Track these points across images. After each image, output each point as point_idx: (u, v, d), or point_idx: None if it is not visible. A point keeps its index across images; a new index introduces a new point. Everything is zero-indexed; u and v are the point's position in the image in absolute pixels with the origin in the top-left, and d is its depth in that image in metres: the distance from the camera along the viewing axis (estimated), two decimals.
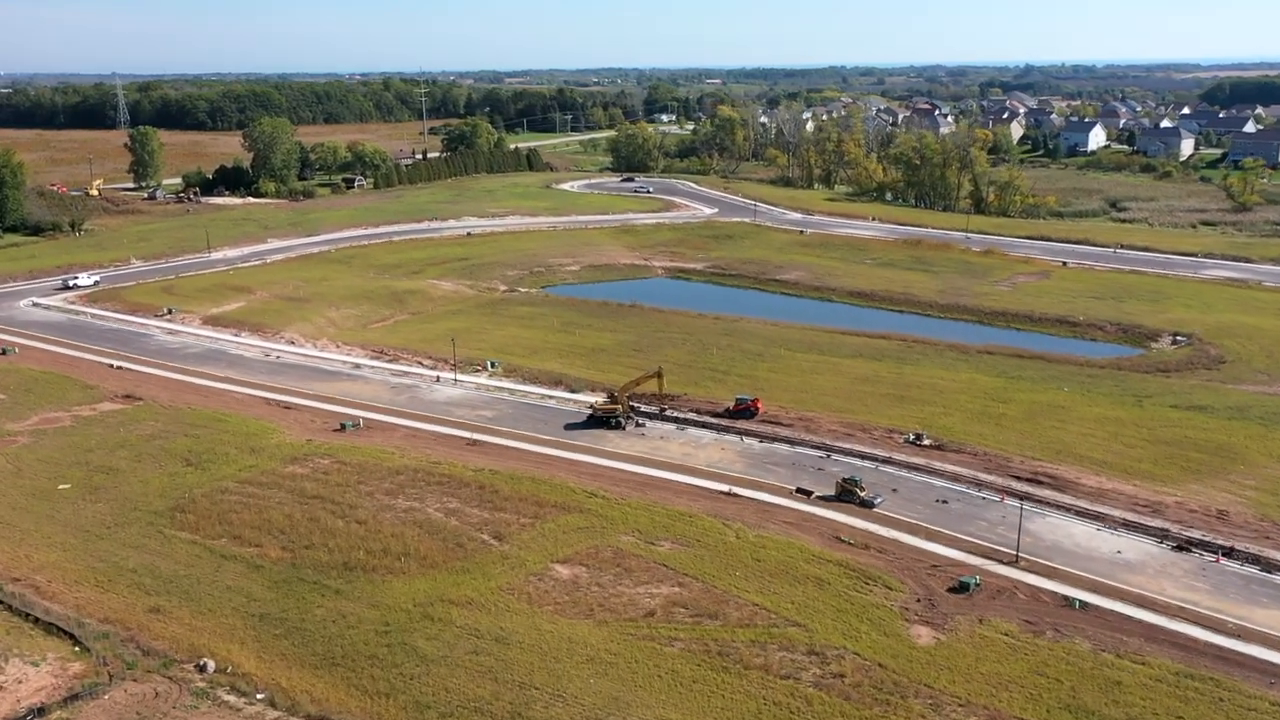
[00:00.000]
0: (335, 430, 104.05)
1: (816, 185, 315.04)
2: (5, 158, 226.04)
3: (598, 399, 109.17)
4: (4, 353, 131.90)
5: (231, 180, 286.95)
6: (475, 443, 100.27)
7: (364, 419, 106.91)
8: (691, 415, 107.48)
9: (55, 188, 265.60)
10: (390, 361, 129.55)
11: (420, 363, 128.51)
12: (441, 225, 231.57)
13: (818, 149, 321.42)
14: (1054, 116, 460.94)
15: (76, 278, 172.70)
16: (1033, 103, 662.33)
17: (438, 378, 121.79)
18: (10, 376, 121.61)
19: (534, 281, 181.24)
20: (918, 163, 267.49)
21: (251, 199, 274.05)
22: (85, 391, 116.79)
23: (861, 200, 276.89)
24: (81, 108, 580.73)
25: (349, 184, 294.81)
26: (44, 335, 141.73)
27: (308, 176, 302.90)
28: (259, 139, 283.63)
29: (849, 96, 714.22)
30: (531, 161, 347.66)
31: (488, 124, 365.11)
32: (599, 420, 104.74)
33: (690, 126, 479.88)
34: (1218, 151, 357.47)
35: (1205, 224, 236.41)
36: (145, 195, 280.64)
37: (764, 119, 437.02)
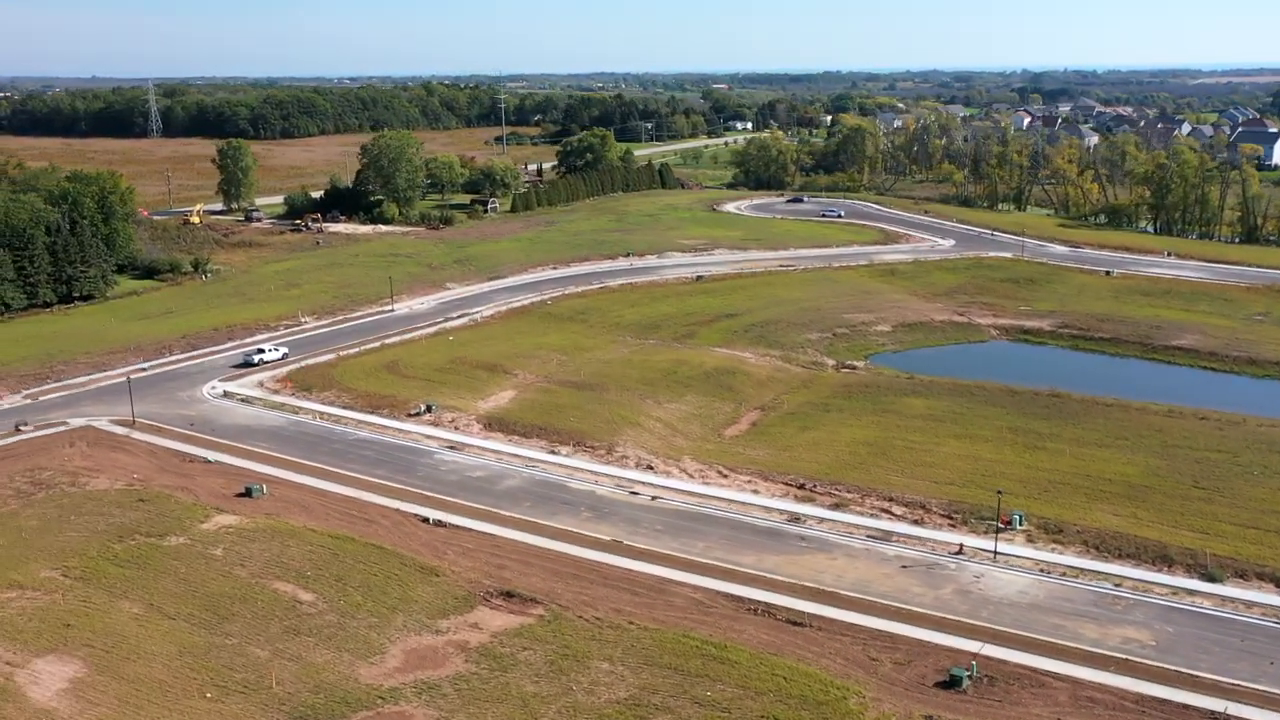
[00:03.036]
0: (941, 686, 61.12)
1: (1003, 206, 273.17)
2: (112, 182, 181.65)
3: None
4: (249, 493, 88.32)
5: (346, 203, 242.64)
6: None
7: (971, 652, 64.02)
8: None
9: (141, 213, 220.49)
10: (835, 508, 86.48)
11: (887, 511, 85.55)
12: (644, 264, 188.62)
13: (1003, 164, 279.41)
14: (1200, 126, 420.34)
15: (261, 350, 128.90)
16: (1099, 108, 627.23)
17: (960, 547, 78.84)
18: (292, 548, 78.11)
19: (848, 349, 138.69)
20: (1174, 183, 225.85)
21: (383, 226, 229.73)
22: (430, 582, 73.45)
23: (1085, 225, 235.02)
24: (105, 114, 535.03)
25: (483, 206, 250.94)
26: (278, 454, 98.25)
27: (421, 198, 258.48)
28: (381, 154, 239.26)
29: (904, 104, 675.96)
30: (664, 178, 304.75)
31: (613, 136, 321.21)
32: None
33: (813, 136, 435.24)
34: None
35: None
36: (241, 219, 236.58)
37: (887, 127, 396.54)
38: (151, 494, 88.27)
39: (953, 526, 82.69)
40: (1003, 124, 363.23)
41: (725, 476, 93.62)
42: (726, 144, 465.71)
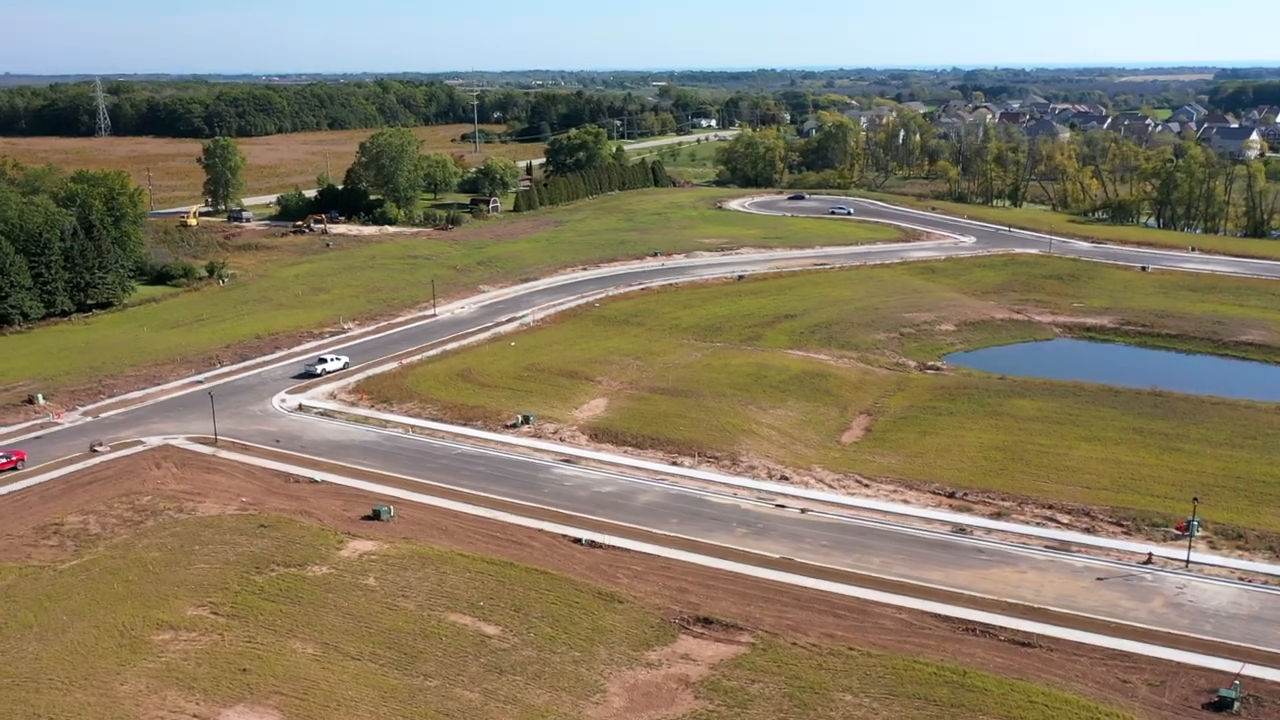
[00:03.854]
0: (1211, 709, 58.09)
1: (998, 202, 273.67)
2: (120, 182, 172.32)
3: None
4: (377, 516, 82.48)
5: (344, 203, 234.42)
6: None
7: (1232, 673, 61.14)
8: None
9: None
10: (996, 517, 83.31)
11: (1052, 520, 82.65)
12: (675, 264, 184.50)
13: (1000, 162, 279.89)
14: (1169, 123, 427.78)
15: (323, 360, 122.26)
16: (1039, 103, 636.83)
17: (1149, 557, 76.14)
18: (451, 577, 72.68)
19: (919, 349, 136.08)
20: (1181, 178, 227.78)
21: (389, 227, 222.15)
22: (615, 610, 68.71)
23: (1091, 221, 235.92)
24: (47, 112, 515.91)
25: (485, 205, 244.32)
26: (385, 471, 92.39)
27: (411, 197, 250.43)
28: (381, 152, 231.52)
29: (855, 101, 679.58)
30: (657, 176, 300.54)
31: (605, 134, 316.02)
32: None
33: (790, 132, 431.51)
34: None
35: None
36: (227, 221, 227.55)
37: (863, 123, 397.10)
38: (271, 519, 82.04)
39: (1126, 534, 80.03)
40: (987, 120, 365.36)
41: (866, 486, 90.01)
42: (700, 141, 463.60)
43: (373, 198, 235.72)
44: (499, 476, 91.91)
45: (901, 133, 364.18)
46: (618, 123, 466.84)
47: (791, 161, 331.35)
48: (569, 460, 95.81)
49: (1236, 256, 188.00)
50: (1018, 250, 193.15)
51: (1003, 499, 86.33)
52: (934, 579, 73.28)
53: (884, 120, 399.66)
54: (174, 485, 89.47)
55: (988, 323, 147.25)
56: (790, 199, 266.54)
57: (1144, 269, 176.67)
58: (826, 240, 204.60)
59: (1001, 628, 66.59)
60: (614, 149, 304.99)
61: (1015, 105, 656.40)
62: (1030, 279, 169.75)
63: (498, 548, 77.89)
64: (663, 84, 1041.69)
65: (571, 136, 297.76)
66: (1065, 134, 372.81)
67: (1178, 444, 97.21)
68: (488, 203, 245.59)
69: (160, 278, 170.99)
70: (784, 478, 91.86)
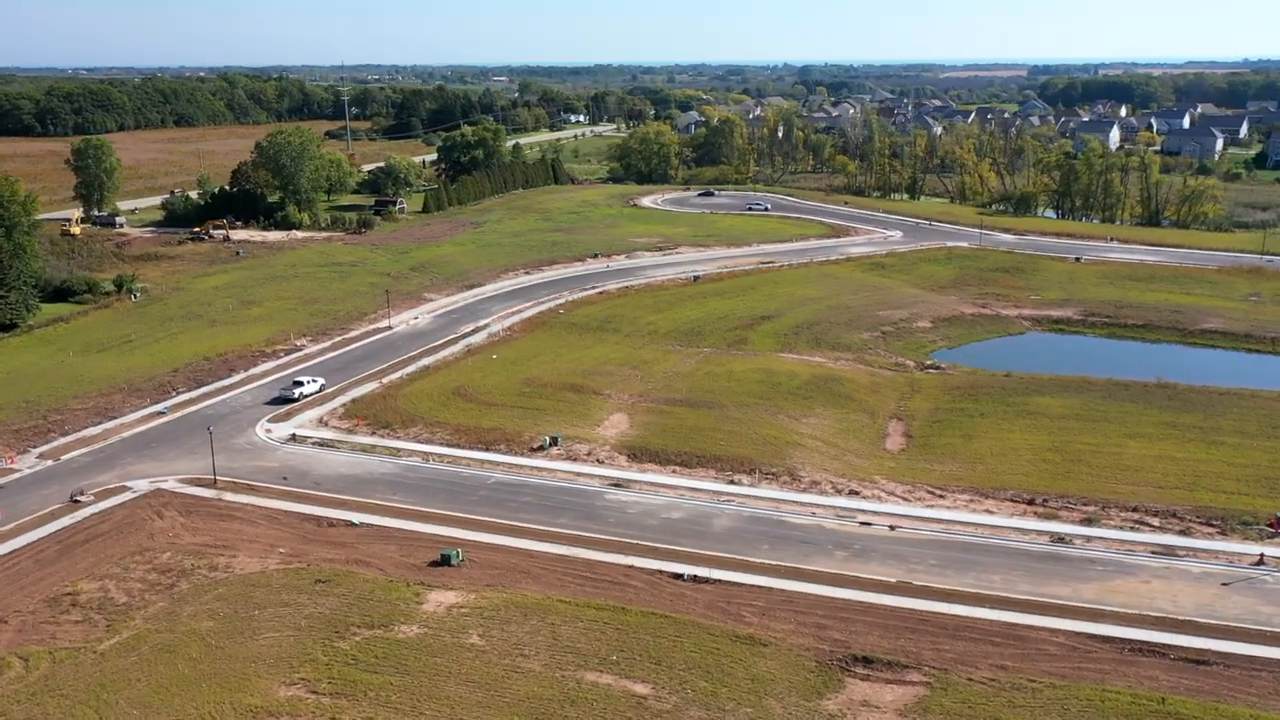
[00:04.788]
0: None
1: (896, 195, 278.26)
2: (9, 188, 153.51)
3: None
4: (446, 561, 73.87)
5: (239, 207, 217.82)
6: None
7: None
8: None
9: None
10: (1086, 524, 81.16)
11: (1143, 523, 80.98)
12: (620, 266, 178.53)
13: (896, 155, 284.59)
14: (1030, 118, 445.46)
15: (299, 383, 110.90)
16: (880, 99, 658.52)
17: (1260, 558, 75.12)
18: (563, 628, 65.26)
19: (905, 348, 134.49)
20: (1081, 170, 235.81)
21: (297, 232, 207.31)
22: (762, 654, 62.93)
23: (998, 213, 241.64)
24: None
25: (391, 206, 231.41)
26: (422, 507, 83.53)
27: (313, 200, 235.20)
28: (280, 152, 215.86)
29: (708, 96, 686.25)
30: (556, 173, 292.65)
31: (503, 130, 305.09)
32: None
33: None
34: (1246, 152, 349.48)
35: None
36: (98, 227, 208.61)
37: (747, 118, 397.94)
38: (325, 573, 72.34)
39: (1222, 535, 79.10)
40: (869, 115, 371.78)
41: (941, 497, 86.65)
42: (577, 137, 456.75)
43: (271, 200, 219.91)
44: (553, 507, 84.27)
45: (780, 128, 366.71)
46: (489, 119, 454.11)
47: (686, 158, 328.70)
48: (619, 485, 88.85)
49: (1154, 246, 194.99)
50: (950, 244, 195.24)
51: (1083, 504, 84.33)
52: (1064, 595, 70.22)
53: (764, 115, 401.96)
54: (190, 538, 78.21)
55: (959, 318, 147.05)
56: (700, 195, 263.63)
57: (1078, 260, 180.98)
58: (760, 237, 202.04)
59: (1166, 645, 63.90)
60: (511, 146, 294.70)
61: (868, 99, 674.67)
62: (979, 273, 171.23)
63: (596, 590, 70.64)
64: (504, 79, 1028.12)
65: (467, 134, 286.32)
66: (938, 128, 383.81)
67: (1215, 437, 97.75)
68: (394, 203, 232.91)
69: (59, 294, 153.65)
70: (854, 492, 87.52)
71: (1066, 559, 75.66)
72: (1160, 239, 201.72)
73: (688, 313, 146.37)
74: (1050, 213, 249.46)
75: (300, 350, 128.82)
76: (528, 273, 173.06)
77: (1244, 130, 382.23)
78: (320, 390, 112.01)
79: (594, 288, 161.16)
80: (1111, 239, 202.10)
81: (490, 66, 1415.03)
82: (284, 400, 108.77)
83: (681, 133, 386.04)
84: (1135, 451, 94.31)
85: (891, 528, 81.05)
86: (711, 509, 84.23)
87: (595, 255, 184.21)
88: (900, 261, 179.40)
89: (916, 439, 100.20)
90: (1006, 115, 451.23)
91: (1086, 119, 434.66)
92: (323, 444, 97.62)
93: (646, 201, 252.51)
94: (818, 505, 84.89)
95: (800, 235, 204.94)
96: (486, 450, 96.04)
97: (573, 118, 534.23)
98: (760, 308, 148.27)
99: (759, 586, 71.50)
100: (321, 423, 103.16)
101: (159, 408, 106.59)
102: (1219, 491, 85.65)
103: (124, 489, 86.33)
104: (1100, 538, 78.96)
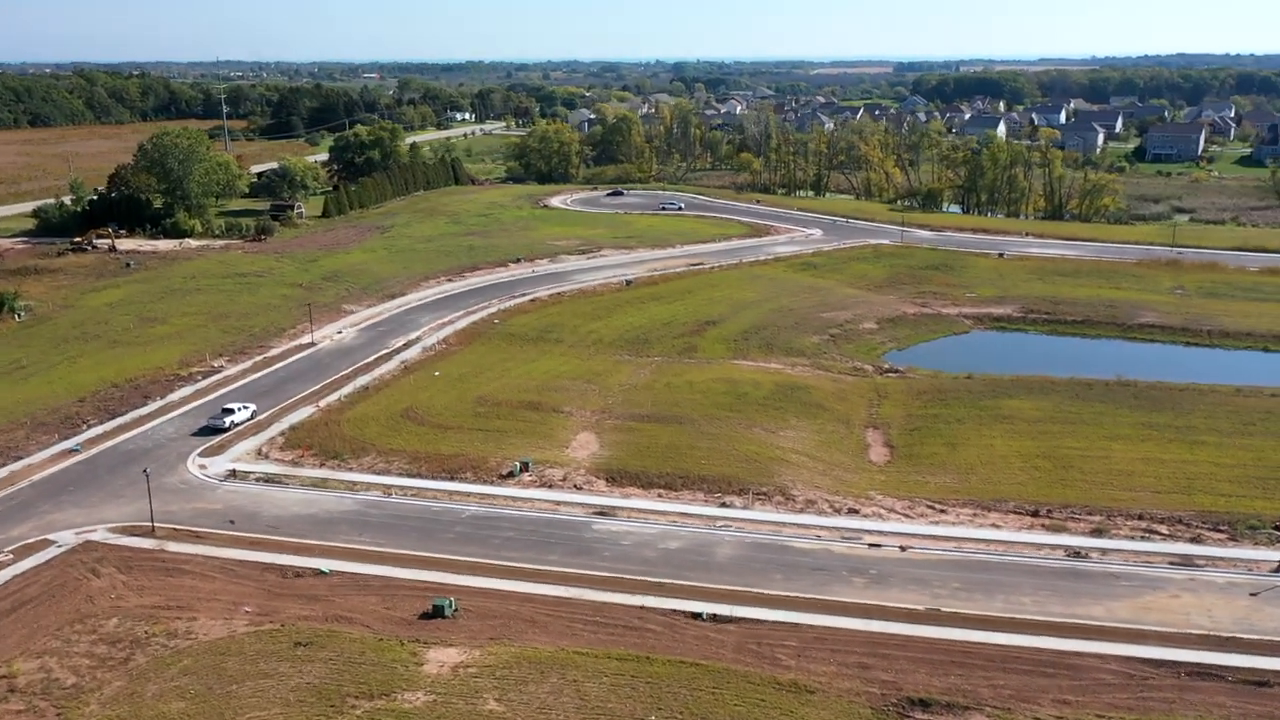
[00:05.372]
0: None
1: (801, 192, 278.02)
2: None
3: None
4: (439, 613, 66.47)
5: (121, 214, 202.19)
6: None
7: None
8: None
9: None
10: (1095, 534, 78.58)
11: (1153, 531, 78.90)
12: (546, 270, 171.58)
13: (798, 152, 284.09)
14: (916, 114, 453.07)
15: (230, 410, 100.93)
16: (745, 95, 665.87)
17: (1279, 564, 73.77)
18: (588, 685, 58.99)
19: (856, 351, 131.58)
20: (987, 166, 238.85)
21: (191, 241, 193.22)
22: (811, 703, 58.04)
23: (908, 209, 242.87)
24: None
25: (289, 211, 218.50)
26: (395, 549, 75.92)
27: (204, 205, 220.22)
28: (167, 154, 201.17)
29: (590, 93, 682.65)
30: (456, 174, 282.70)
31: (400, 129, 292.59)
32: None
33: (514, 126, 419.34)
34: (1125, 146, 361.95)
35: None
36: None
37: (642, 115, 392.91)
38: (304, 633, 64.16)
39: (1233, 540, 77.54)
40: (767, 112, 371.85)
41: (944, 512, 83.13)
42: (466, 135, 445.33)
43: (157, 206, 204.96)
44: (540, 542, 77.55)
45: (677, 125, 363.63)
46: (376, 117, 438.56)
47: (585, 156, 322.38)
48: (604, 513, 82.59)
49: (1069, 240, 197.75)
50: (873, 241, 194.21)
51: (1088, 514, 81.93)
52: (1100, 615, 67.22)
53: (661, 112, 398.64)
54: (136, 599, 68.77)
55: (903, 319, 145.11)
56: (609, 195, 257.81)
57: (1001, 255, 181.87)
58: (681, 238, 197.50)
59: (1221, 667, 61.29)
60: (408, 146, 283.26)
61: (751, 96, 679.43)
62: (910, 271, 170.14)
63: (612, 637, 64.40)
64: (375, 75, 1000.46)
65: (361, 133, 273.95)
66: (829, 124, 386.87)
67: (1193, 436, 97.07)
68: (292, 208, 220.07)
69: None
70: (853, 510, 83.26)
71: (1088, 575, 72.80)
72: (1074, 233, 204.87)
73: (629, 319, 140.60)
74: (955, 208, 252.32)
75: (220, 372, 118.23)
76: (450, 280, 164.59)
77: (1119, 125, 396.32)
78: (252, 417, 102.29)
79: (524, 294, 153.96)
80: (1027, 234, 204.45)
81: (360, 63, 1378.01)
82: (214, 430, 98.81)
83: (576, 130, 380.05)
84: (1122, 455, 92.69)
85: (902, 549, 77.02)
86: (710, 536, 78.78)
87: (517, 260, 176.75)
88: (830, 261, 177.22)
89: (900, 449, 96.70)
90: (892, 111, 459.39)
91: (969, 115, 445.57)
92: (268, 479, 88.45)
93: (555, 202, 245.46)
94: (820, 527, 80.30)
95: (722, 235, 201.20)
96: (452, 480, 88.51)
97: (459, 116, 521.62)
98: (702, 312, 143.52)
99: (786, 623, 66.35)
100: (261, 454, 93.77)
101: (70, 444, 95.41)
102: (1216, 494, 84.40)
103: (47, 543, 75.98)
104: (1115, 550, 76.47)
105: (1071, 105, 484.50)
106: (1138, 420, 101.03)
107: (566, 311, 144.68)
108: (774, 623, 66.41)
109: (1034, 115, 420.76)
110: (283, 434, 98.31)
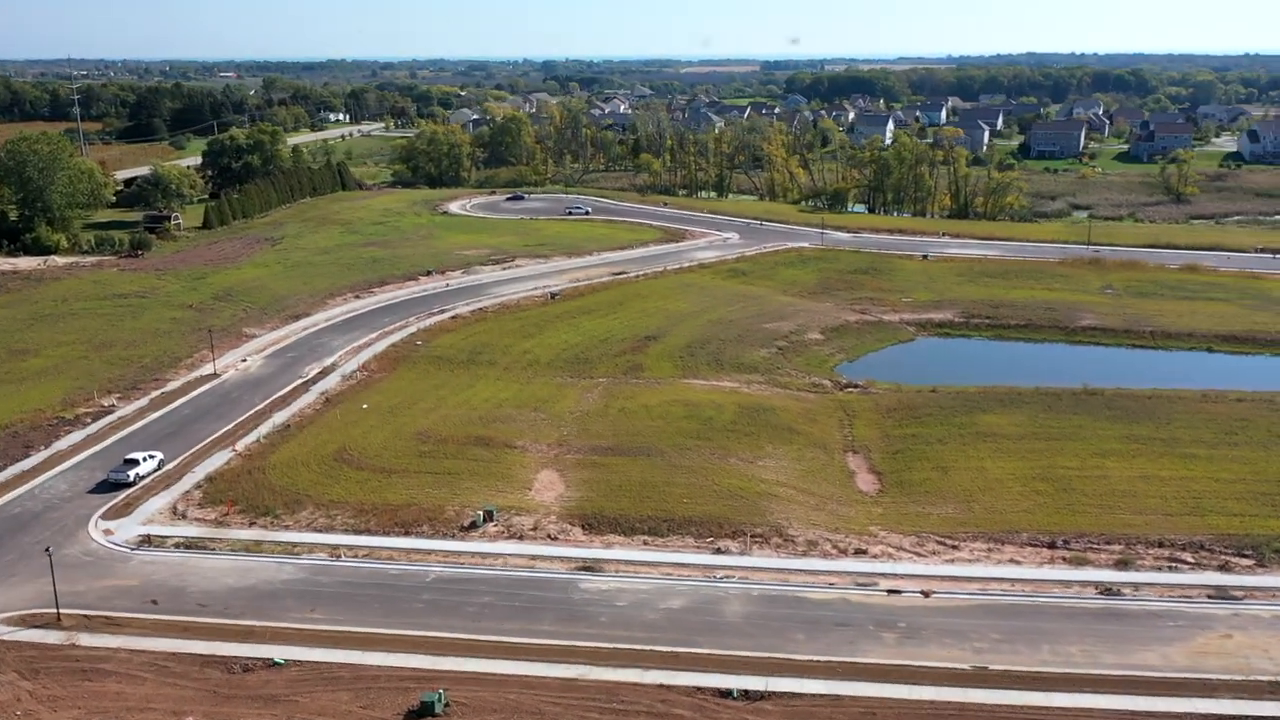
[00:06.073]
0: None
1: (703, 193, 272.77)
2: None
3: None
4: (429, 710, 56.35)
5: None
6: None
7: None
8: None
9: None
10: (1119, 567, 73.34)
11: (1178, 560, 74.06)
12: (462, 284, 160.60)
13: (699, 152, 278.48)
14: (803, 112, 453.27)
15: (133, 462, 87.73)
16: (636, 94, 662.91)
17: None
18: None
19: (806, 363, 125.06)
20: (894, 165, 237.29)
21: (57, 258, 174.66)
22: None
23: (818, 210, 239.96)
24: None
25: (166, 222, 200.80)
26: (357, 628, 65.35)
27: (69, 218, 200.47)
28: (24, 163, 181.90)
29: (466, 92, 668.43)
30: (343, 179, 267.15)
31: (282, 131, 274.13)
32: None
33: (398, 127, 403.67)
34: (1009, 143, 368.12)
35: (1197, 218, 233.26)
36: None
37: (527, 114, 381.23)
38: None
39: (1262, 567, 73.33)
40: (660, 112, 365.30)
41: (955, 548, 76.75)
42: (344, 137, 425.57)
43: (13, 220, 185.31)
44: (524, 608, 67.93)
45: (567, 126, 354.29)
46: (242, 119, 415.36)
47: (477, 159, 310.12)
48: (589, 568, 73.42)
49: (986, 239, 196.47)
50: (793, 245, 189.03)
51: (1106, 543, 76.74)
52: (1157, 665, 61.64)
53: (550, 112, 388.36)
54: (48, 714, 56.43)
55: (846, 327, 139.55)
56: (510, 199, 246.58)
57: (925, 257, 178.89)
58: (596, 245, 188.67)
59: None
60: (291, 150, 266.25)
61: (630, 96, 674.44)
62: (839, 275, 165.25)
63: None
64: (231, 74, 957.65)
65: (237, 136, 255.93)
66: (720, 123, 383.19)
67: (1181, 449, 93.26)
68: (169, 219, 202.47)
69: None
70: (860, 551, 76.11)
71: (1129, 615, 67.29)
72: (989, 232, 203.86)
73: (563, 336, 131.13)
74: (860, 207, 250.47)
75: (112, 412, 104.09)
76: (357, 296, 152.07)
77: (1000, 122, 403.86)
78: (160, 467, 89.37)
79: (443, 311, 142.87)
80: (943, 234, 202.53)
81: (215, 61, 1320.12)
82: (116, 485, 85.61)
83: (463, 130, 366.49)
84: (1118, 473, 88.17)
85: (925, 594, 70.20)
86: (713, 591, 70.48)
87: (428, 272, 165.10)
88: (756, 267, 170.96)
89: (888, 476, 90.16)
90: (778, 111, 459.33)
91: (853, 114, 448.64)
92: (190, 545, 76.22)
93: (454, 207, 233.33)
94: (831, 573, 72.88)
95: (638, 241, 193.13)
96: (408, 535, 77.96)
97: (332, 116, 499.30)
98: (639, 326, 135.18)
99: (825, 695, 58.61)
100: (177, 514, 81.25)
101: None
102: (1229, 515, 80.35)
103: None
104: (1146, 584, 71.28)
105: (949, 104, 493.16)
106: (1121, 433, 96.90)
107: (493, 329, 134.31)
108: (812, 695, 58.57)
109: (918, 114, 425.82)
110: (199, 487, 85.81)
